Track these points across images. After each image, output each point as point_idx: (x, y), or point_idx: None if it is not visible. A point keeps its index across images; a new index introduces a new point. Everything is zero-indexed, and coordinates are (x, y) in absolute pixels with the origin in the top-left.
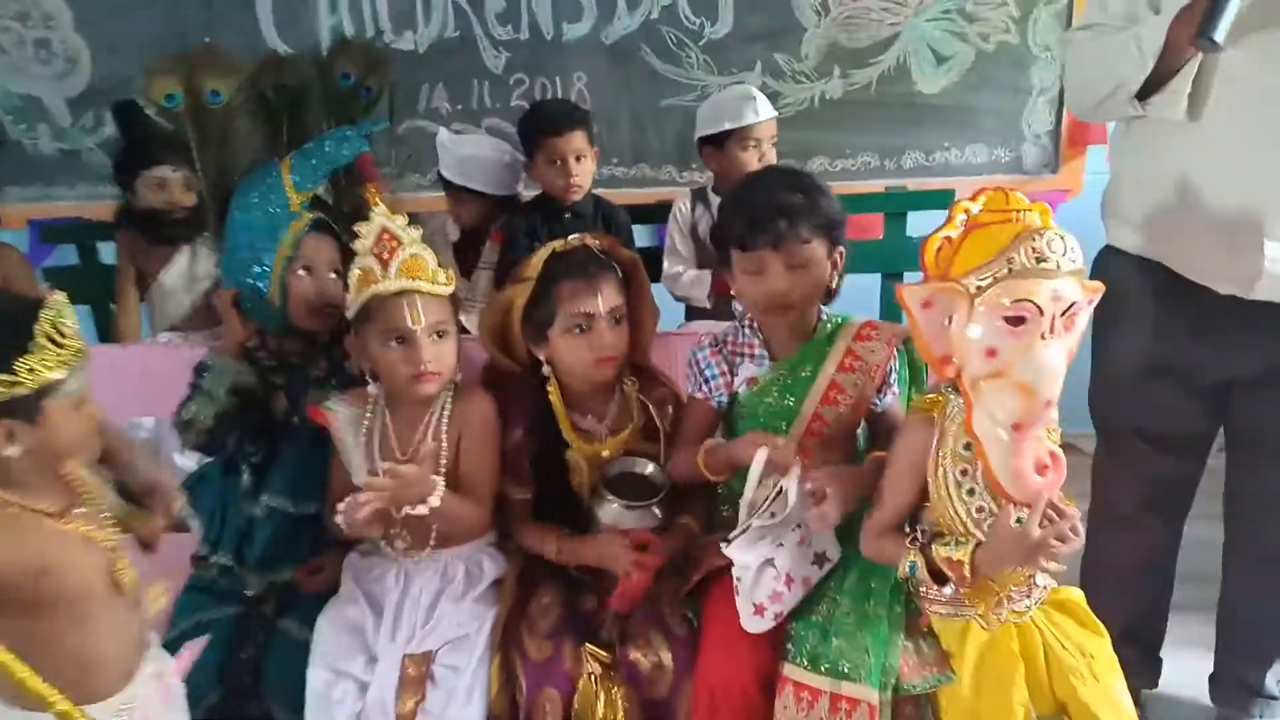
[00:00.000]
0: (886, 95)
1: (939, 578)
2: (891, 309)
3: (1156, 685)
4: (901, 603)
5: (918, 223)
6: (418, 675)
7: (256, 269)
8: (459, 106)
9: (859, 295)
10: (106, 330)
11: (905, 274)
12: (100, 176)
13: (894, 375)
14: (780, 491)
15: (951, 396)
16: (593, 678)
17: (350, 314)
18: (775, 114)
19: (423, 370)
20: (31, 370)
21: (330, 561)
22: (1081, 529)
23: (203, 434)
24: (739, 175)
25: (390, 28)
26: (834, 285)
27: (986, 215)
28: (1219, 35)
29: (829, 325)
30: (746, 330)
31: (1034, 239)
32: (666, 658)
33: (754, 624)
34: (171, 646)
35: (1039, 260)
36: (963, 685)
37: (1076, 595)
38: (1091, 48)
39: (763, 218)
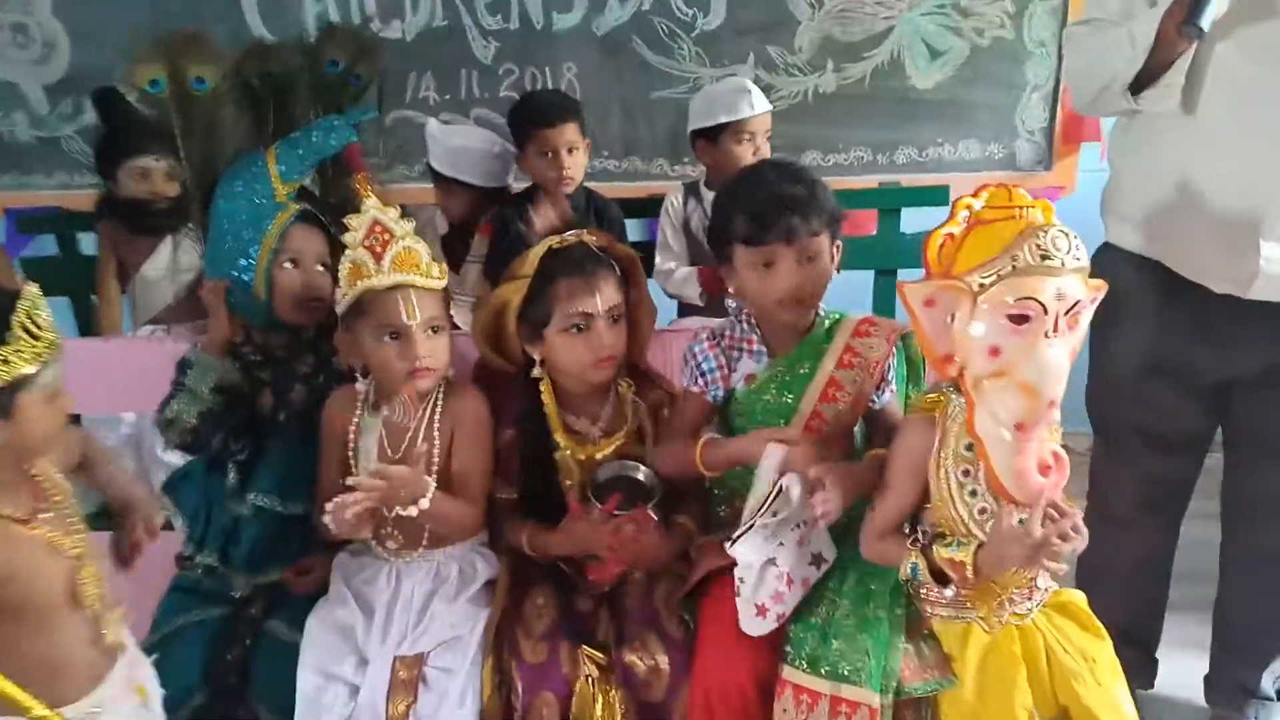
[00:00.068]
0: (880, 89)
1: (940, 579)
2: (884, 306)
3: (1153, 686)
4: (902, 605)
5: (911, 219)
6: (409, 678)
7: (242, 261)
8: (447, 97)
9: (852, 292)
10: (87, 323)
11: (899, 271)
12: (80, 165)
13: (891, 372)
14: (781, 490)
15: (953, 396)
16: (590, 680)
17: (340, 309)
18: (770, 107)
19: (418, 366)
20: (6, 362)
21: (319, 562)
22: (1084, 527)
23: (186, 433)
24: (732, 169)
25: (377, 16)
26: None
27: (989, 212)
28: (1204, 22)
29: (826, 321)
30: (744, 325)
31: (1038, 236)
32: (663, 660)
33: (755, 625)
34: (156, 649)
35: (1043, 257)
36: (964, 688)
37: (1078, 598)
38: (1088, 42)
39: (772, 211)
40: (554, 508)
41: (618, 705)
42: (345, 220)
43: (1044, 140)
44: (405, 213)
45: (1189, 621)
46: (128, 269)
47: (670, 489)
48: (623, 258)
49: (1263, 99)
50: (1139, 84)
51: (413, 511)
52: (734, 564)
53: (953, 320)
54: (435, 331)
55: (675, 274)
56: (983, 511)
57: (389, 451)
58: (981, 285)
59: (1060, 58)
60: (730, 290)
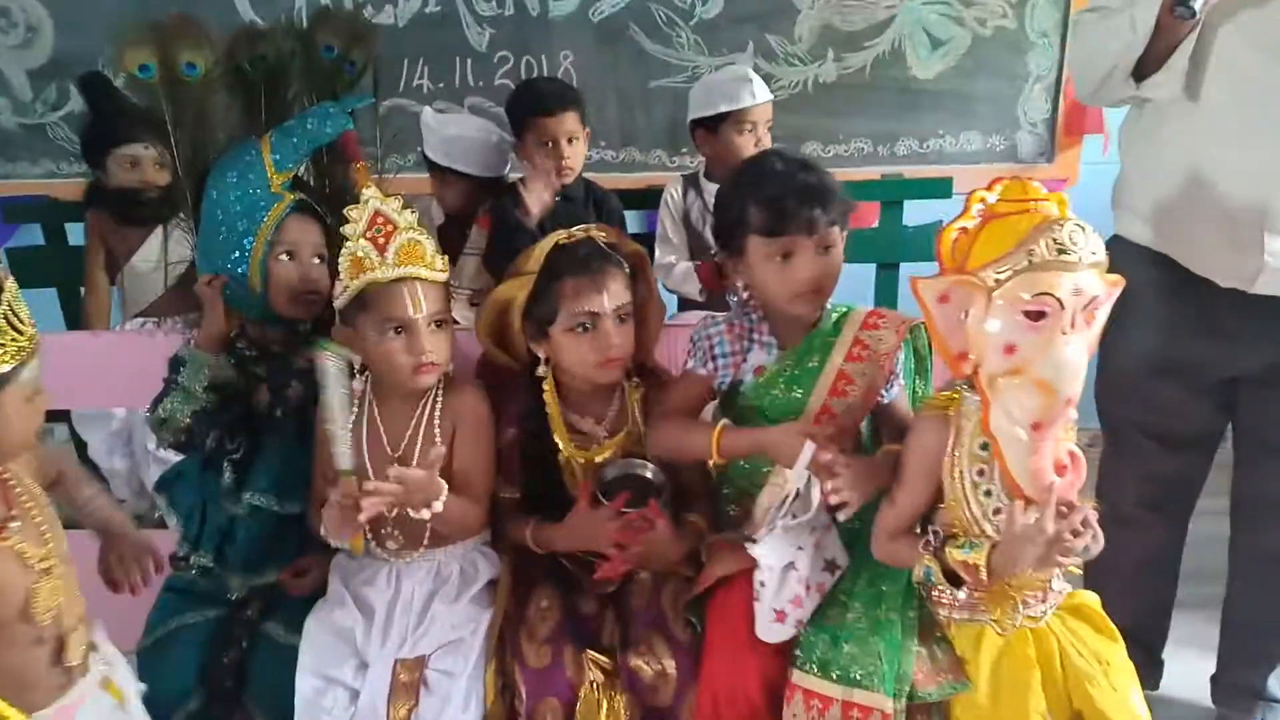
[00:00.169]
0: (881, 80)
1: (954, 581)
2: (886, 299)
3: (1158, 687)
4: (914, 607)
5: (913, 211)
6: (410, 681)
7: (235, 254)
8: (440, 85)
9: (853, 285)
10: (75, 315)
11: (901, 264)
12: (66, 153)
13: (899, 366)
14: (799, 492)
15: (967, 394)
16: (594, 686)
17: (340, 303)
18: (772, 96)
19: (424, 361)
20: None
21: (317, 562)
22: (1097, 525)
23: (180, 432)
24: (733, 159)
25: (370, 1)
26: None
27: (1004, 205)
28: (1195, 3)
29: (834, 315)
30: (754, 316)
31: (1054, 230)
32: (670, 665)
33: (773, 631)
34: (149, 652)
35: (1060, 252)
36: (978, 692)
37: (1092, 600)
38: (1093, 29)
39: (791, 201)
40: (557, 507)
41: (623, 711)
42: (345, 211)
43: (1046, 132)
44: (406, 203)
45: (1195, 621)
46: (117, 260)
47: (678, 487)
48: (631, 254)
49: (1267, 88)
50: (1142, 71)
51: (425, 515)
52: (746, 569)
53: (967, 317)
54: (439, 326)
55: (675, 269)
56: (997, 512)
57: (388, 450)
58: (997, 281)
59: (1063, 48)
60: (738, 284)
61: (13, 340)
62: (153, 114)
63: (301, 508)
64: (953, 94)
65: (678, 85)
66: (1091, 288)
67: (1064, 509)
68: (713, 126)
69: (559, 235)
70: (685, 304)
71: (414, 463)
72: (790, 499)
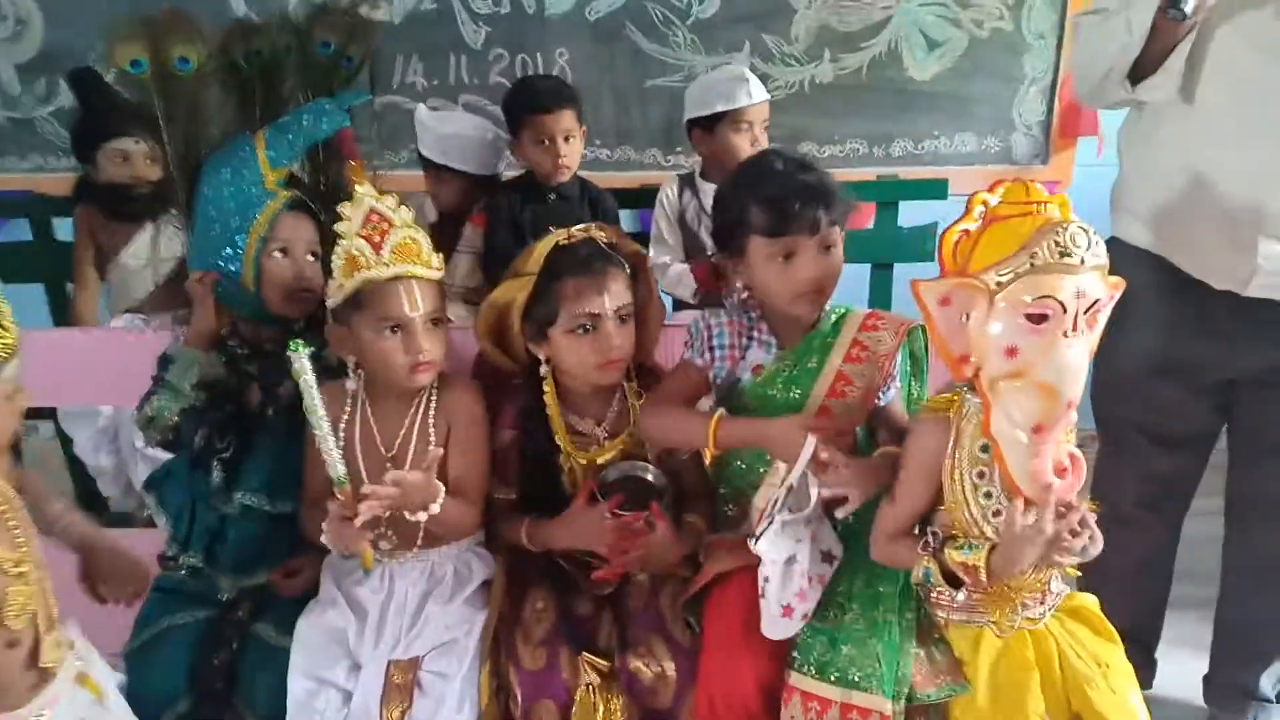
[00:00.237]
0: (877, 80)
1: (952, 582)
2: (881, 300)
3: (1151, 686)
4: (912, 608)
5: (908, 212)
6: (404, 683)
7: (228, 251)
8: (435, 82)
9: (848, 285)
10: (63, 311)
11: (895, 265)
12: (54, 148)
13: (896, 368)
14: (790, 488)
15: (968, 396)
16: (590, 689)
17: (334, 301)
18: (769, 96)
19: (421, 360)
20: None
21: (308, 563)
22: (1095, 526)
23: (167, 430)
24: (730, 159)
25: None
26: None
27: (1006, 208)
28: (1186, 5)
29: (833, 316)
30: (752, 315)
31: (1057, 232)
32: (669, 667)
33: (780, 627)
34: (137, 654)
35: (1063, 255)
36: (977, 694)
37: (1090, 602)
38: (1091, 31)
39: (794, 200)
40: (555, 509)
41: (620, 713)
42: (339, 209)
43: (1041, 134)
44: (401, 201)
45: (1188, 620)
46: (106, 255)
47: (677, 489)
48: (631, 254)
49: (1265, 90)
50: (1139, 73)
51: (421, 517)
52: (742, 567)
53: (968, 319)
54: (434, 324)
55: (670, 270)
56: (997, 514)
57: (382, 450)
58: (999, 284)
59: (1059, 50)
60: (737, 285)
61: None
62: (144, 109)
63: (293, 507)
64: (948, 95)
65: (673, 84)
66: (1094, 290)
67: (1062, 509)
68: (709, 126)
69: (559, 235)
70: (679, 305)
71: (409, 463)
72: (786, 493)
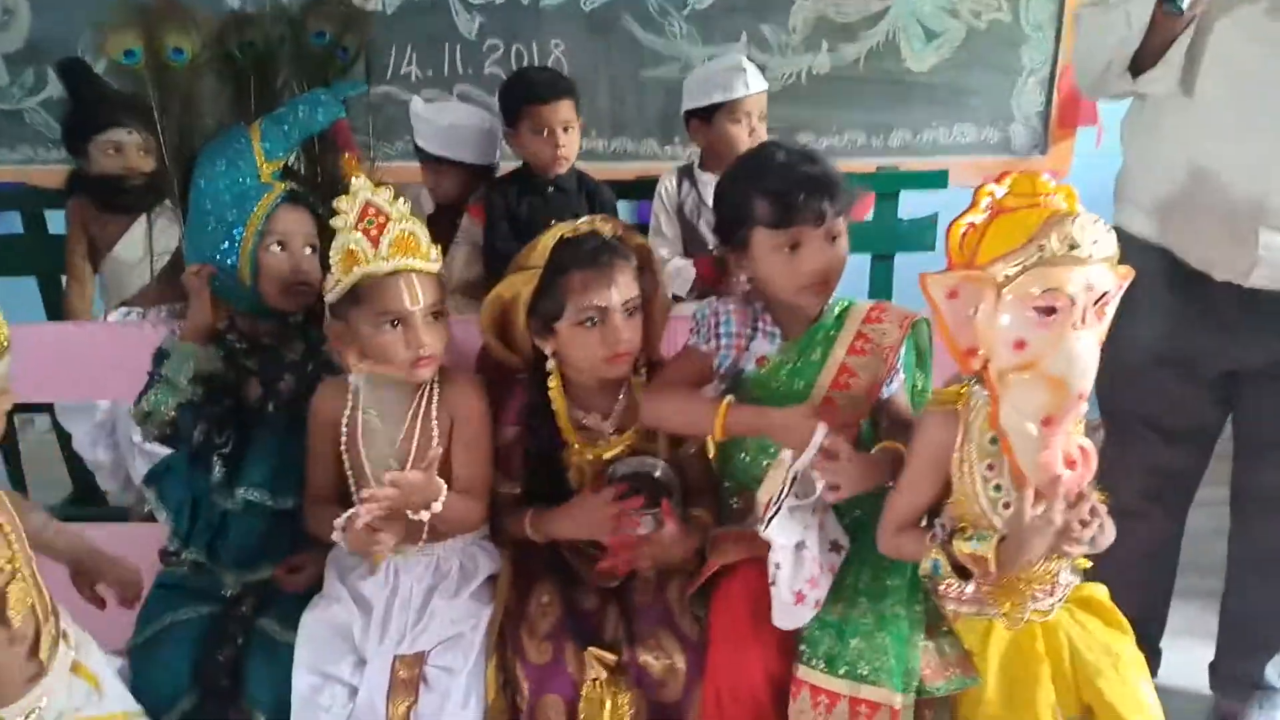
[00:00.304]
0: (875, 71)
1: (962, 573)
2: (880, 291)
3: (1156, 675)
4: (920, 600)
5: (907, 203)
6: (409, 678)
7: (225, 244)
8: (429, 72)
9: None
10: (56, 306)
11: (896, 256)
12: (44, 139)
13: (900, 361)
14: (797, 475)
15: (976, 389)
16: (597, 683)
17: (333, 297)
18: (766, 87)
19: (423, 354)
20: None
21: (311, 558)
22: (1106, 516)
23: (165, 425)
24: (727, 150)
25: None
26: None
27: (1013, 199)
28: (1184, 2)
29: (836, 308)
30: (757, 306)
31: (1065, 224)
32: (679, 660)
33: (792, 615)
34: (140, 650)
35: (1071, 247)
36: (987, 686)
37: (1100, 593)
38: (1091, 23)
39: (799, 191)
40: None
41: (627, 708)
42: (334, 203)
43: (1040, 124)
44: (398, 193)
45: (1194, 610)
46: (99, 249)
47: (683, 483)
48: (637, 247)
49: (1265, 83)
50: (1139, 65)
51: (424, 516)
52: (748, 559)
53: (976, 312)
54: (435, 318)
55: (668, 264)
56: (1007, 506)
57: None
58: (1007, 276)
59: (1058, 41)
60: (741, 278)
61: None
62: (136, 99)
63: (295, 502)
64: (947, 86)
65: (670, 75)
66: (1102, 282)
67: (1072, 498)
68: (707, 117)
69: (564, 228)
70: (676, 297)
71: (412, 458)
72: (793, 480)
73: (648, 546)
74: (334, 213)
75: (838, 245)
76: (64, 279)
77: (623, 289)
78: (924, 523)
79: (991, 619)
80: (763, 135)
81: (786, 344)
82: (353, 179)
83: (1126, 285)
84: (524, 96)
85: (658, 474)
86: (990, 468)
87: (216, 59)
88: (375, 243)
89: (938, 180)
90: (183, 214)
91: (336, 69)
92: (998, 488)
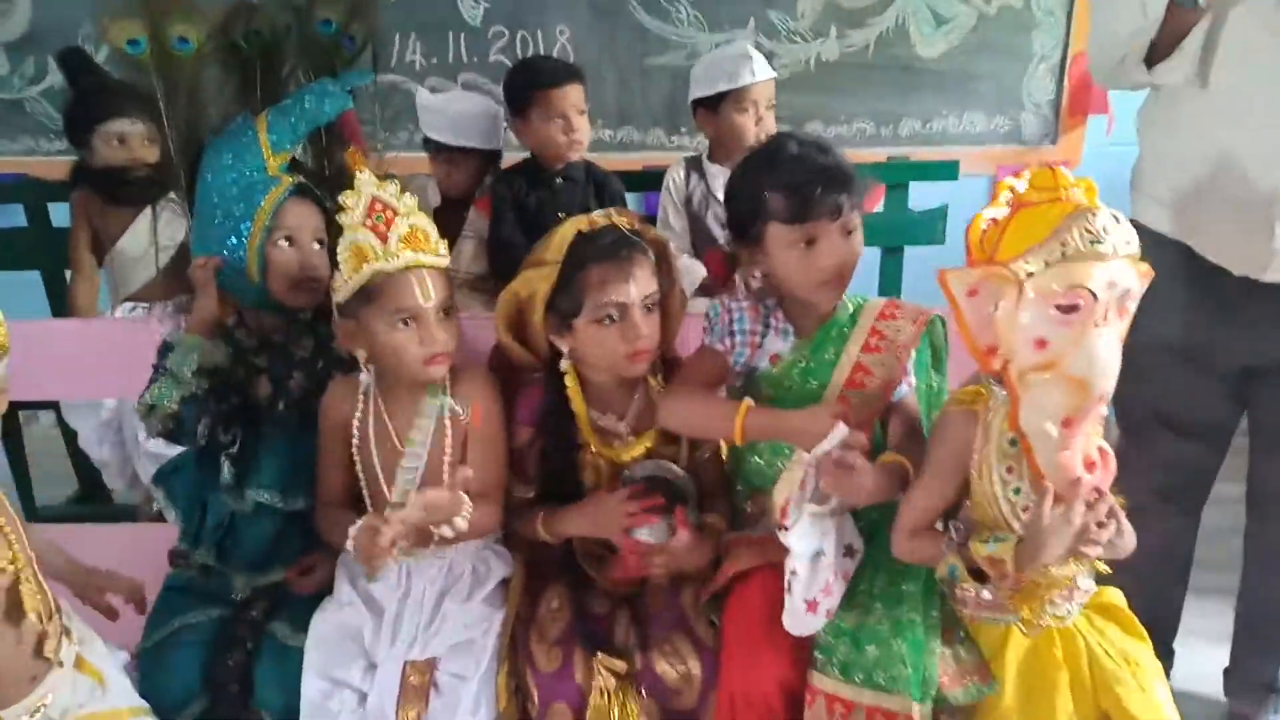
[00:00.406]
0: (884, 58)
1: (978, 577)
2: (890, 285)
3: (1169, 678)
4: (936, 606)
5: (917, 194)
6: (420, 684)
7: (232, 239)
8: (433, 60)
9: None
10: (60, 300)
11: (906, 248)
12: (46, 129)
13: (911, 362)
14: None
15: (995, 389)
16: (604, 693)
17: (342, 296)
18: (774, 74)
19: (436, 351)
20: None
21: (322, 560)
22: (1125, 520)
23: (168, 419)
24: (734, 140)
25: None
26: None
27: (1033, 194)
28: None
29: (850, 306)
30: (769, 303)
31: (1088, 219)
32: (695, 666)
33: (803, 622)
34: (150, 654)
35: (1094, 243)
36: (1005, 694)
37: (1118, 598)
38: (1107, 13)
39: (814, 185)
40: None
41: (636, 716)
42: (340, 199)
43: (1050, 113)
44: (404, 186)
45: (1208, 611)
46: (104, 241)
47: (696, 486)
48: (653, 240)
49: (1277, 75)
50: (1155, 56)
51: (447, 532)
52: (762, 565)
53: (996, 310)
54: (446, 314)
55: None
56: (1026, 509)
57: (398, 444)
58: (1028, 273)
59: (1069, 27)
60: (754, 274)
61: None
62: (139, 89)
63: (306, 503)
64: (957, 73)
65: (677, 63)
66: (1125, 279)
67: (1091, 499)
68: (713, 106)
69: (580, 222)
70: None
71: (423, 460)
72: (813, 486)
73: (661, 555)
74: (341, 208)
75: (853, 239)
76: (68, 273)
77: (642, 284)
78: (940, 526)
79: (1009, 625)
80: (770, 124)
81: (800, 342)
82: (358, 173)
83: (1147, 283)
84: (534, 83)
85: (674, 479)
86: (1009, 470)
87: (221, 48)
88: (384, 239)
89: (948, 171)
90: (189, 207)
91: (343, 58)
92: (1017, 490)
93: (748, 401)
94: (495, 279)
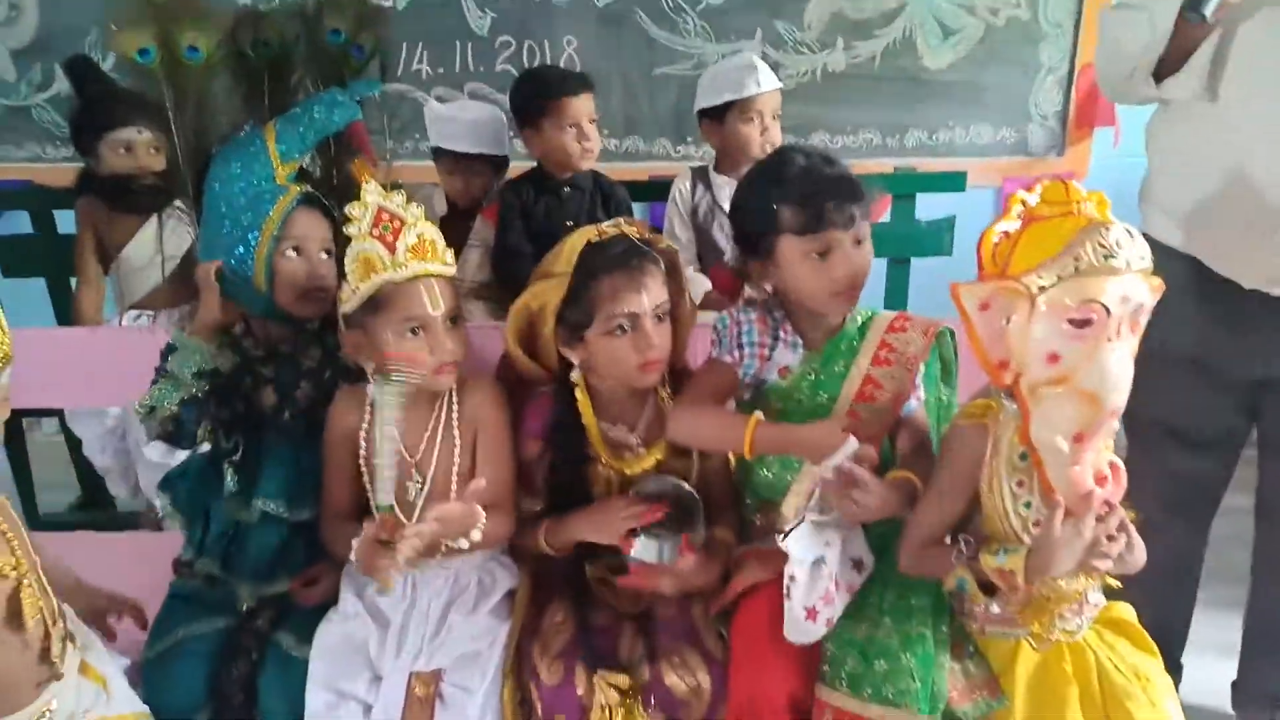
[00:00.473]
0: (891, 69)
1: (987, 591)
2: (896, 297)
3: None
4: (946, 621)
5: (923, 205)
6: (425, 695)
7: (240, 249)
8: (440, 70)
9: None
10: (65, 308)
11: (912, 260)
12: (52, 136)
13: (920, 376)
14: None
15: (1006, 403)
16: (606, 709)
17: (350, 306)
18: (779, 85)
19: (445, 360)
20: None
21: (327, 571)
22: (1136, 534)
23: (166, 421)
24: (739, 150)
25: None
26: None
27: (1045, 207)
28: (1206, 9)
29: (859, 318)
30: (777, 315)
31: (1100, 234)
32: (704, 679)
33: (802, 630)
34: (154, 664)
35: (1107, 257)
36: (1014, 709)
37: (1129, 613)
38: (1115, 28)
39: (825, 196)
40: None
41: None
42: (346, 210)
43: (1057, 124)
44: (410, 196)
45: (1217, 624)
46: (109, 249)
47: (705, 500)
48: (663, 250)
49: None
50: (1163, 70)
51: (463, 544)
52: (770, 580)
53: (1008, 324)
54: (453, 323)
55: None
56: (1036, 523)
57: (406, 456)
58: (1041, 287)
59: (1076, 38)
60: (765, 287)
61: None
62: (146, 98)
63: (312, 513)
64: (963, 85)
65: (683, 73)
66: (1138, 294)
67: (1101, 513)
68: (719, 116)
69: (589, 232)
70: None
71: (433, 467)
72: (818, 495)
73: (668, 577)
74: (348, 219)
75: (864, 249)
76: (73, 280)
77: (653, 294)
78: (948, 540)
79: (1019, 640)
80: (776, 135)
81: (809, 354)
82: (364, 184)
83: (1158, 296)
84: (547, 92)
85: (683, 495)
86: (1020, 484)
87: (230, 57)
88: (392, 249)
89: (955, 183)
90: (196, 215)
91: (352, 68)
92: (1027, 504)
93: (757, 415)
94: (501, 287)
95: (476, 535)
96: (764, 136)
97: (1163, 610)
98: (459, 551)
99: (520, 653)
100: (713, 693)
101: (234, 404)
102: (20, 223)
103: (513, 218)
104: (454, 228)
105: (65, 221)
